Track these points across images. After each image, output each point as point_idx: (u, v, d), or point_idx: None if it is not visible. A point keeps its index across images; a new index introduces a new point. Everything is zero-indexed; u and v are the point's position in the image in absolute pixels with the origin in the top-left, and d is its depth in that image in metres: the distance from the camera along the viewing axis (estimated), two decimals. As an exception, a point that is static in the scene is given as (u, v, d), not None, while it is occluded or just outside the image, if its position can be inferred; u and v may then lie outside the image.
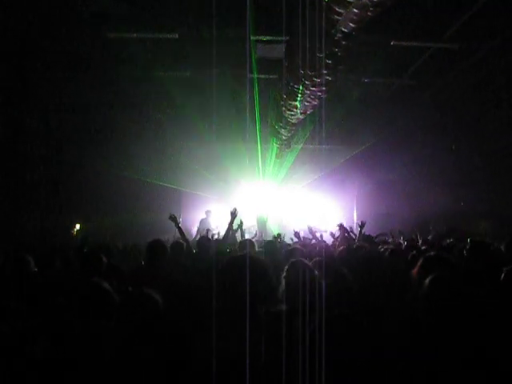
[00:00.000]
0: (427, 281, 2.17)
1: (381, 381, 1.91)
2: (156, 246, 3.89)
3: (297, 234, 6.15)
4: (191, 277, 3.55)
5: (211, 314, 1.93)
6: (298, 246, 4.95)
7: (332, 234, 6.92)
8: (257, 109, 10.20)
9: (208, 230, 6.92)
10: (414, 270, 2.63)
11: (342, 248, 4.14)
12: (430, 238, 7.28)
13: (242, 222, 6.46)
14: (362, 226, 6.04)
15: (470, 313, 2.02)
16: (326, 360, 1.89)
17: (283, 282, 2.63)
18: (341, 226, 6.35)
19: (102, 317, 2.18)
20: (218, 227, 10.19)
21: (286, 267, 2.69)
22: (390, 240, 7.35)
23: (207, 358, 1.81)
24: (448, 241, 5.64)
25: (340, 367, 1.90)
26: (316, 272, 2.60)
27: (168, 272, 3.66)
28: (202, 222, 12.14)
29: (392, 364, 1.97)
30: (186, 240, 4.92)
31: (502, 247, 4.25)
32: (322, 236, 6.91)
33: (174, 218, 5.11)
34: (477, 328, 1.97)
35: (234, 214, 5.45)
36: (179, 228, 5.12)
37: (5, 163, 8.53)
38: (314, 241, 6.28)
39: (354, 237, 6.14)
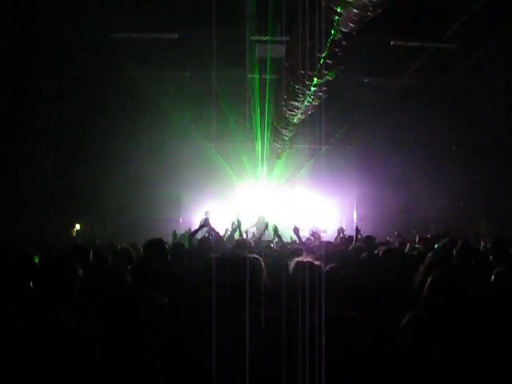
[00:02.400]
0: (428, 281, 2.17)
1: (382, 381, 1.91)
2: (154, 244, 3.87)
3: (296, 231, 5.98)
4: (190, 275, 3.53)
5: (206, 313, 1.94)
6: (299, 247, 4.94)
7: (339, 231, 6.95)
8: (257, 109, 10.20)
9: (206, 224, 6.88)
10: (419, 272, 2.63)
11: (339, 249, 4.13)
12: (428, 236, 7.31)
13: (240, 222, 6.44)
14: (357, 231, 6.11)
15: (470, 313, 2.02)
16: (326, 361, 1.89)
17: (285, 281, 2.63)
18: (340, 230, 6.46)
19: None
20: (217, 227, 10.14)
21: (292, 268, 2.68)
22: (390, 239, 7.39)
23: (205, 357, 1.82)
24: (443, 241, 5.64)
25: (340, 368, 1.90)
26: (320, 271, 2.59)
27: (167, 270, 3.65)
28: (201, 222, 12.10)
29: (393, 364, 1.97)
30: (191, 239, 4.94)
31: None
32: (319, 237, 6.92)
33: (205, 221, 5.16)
34: (477, 328, 1.97)
35: (235, 225, 5.53)
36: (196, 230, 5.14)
37: (6, 164, 8.54)
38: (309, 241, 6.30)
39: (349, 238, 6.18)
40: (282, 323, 2.00)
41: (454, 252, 3.92)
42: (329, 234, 11.32)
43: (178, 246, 4.52)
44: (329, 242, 6.06)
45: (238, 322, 1.93)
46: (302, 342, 1.85)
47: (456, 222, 10.18)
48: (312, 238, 6.79)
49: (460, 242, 4.57)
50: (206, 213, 12.41)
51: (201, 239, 5.26)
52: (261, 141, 12.25)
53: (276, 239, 6.17)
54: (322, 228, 11.30)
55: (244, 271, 2.01)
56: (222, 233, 6.29)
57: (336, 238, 6.79)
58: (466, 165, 10.48)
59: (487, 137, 9.91)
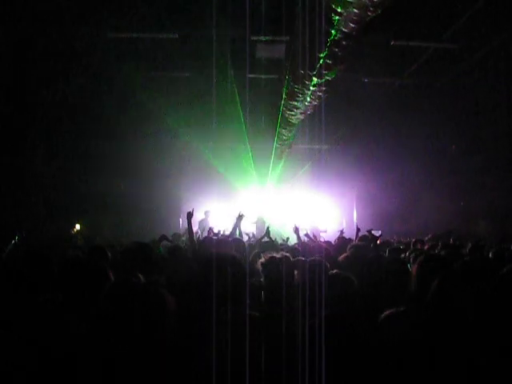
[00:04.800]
0: (436, 280, 2.15)
1: (383, 380, 1.91)
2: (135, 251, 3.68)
3: (296, 231, 5.91)
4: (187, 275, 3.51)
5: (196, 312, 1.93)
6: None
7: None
8: (257, 109, 10.19)
9: (210, 228, 6.81)
10: (414, 269, 2.61)
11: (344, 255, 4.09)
12: (427, 238, 7.30)
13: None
14: (357, 230, 6.12)
15: (476, 312, 2.02)
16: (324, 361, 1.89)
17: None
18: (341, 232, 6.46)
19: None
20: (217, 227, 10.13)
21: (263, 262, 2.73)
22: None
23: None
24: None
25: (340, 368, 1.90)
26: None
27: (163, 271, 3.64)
28: (201, 222, 12.08)
29: (394, 364, 1.97)
30: (192, 240, 4.84)
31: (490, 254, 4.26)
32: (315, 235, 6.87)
33: (189, 215, 4.93)
34: (483, 328, 1.97)
35: (240, 218, 5.51)
36: (190, 227, 4.95)
37: (7, 165, 8.55)
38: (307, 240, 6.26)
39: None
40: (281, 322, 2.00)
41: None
42: (328, 233, 11.32)
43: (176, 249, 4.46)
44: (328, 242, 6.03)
45: (231, 320, 1.93)
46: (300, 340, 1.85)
47: (456, 222, 10.18)
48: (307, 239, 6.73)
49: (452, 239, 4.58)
50: (206, 213, 12.41)
51: (203, 239, 5.24)
52: (260, 141, 12.25)
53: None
54: (322, 228, 11.30)
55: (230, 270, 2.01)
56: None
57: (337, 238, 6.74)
58: (465, 165, 10.48)
59: (487, 137, 9.91)
